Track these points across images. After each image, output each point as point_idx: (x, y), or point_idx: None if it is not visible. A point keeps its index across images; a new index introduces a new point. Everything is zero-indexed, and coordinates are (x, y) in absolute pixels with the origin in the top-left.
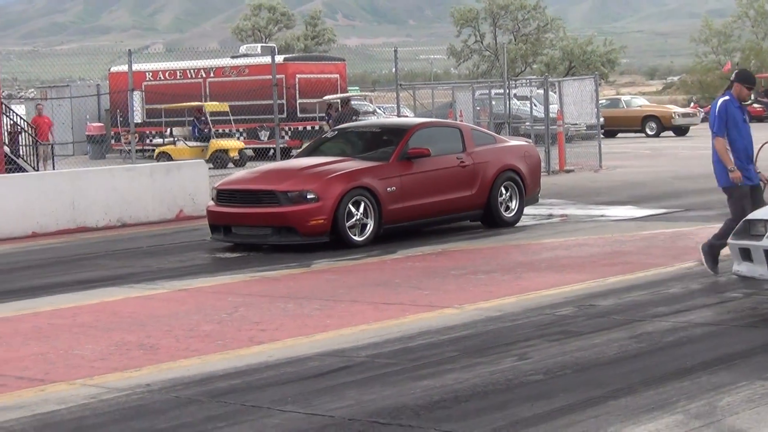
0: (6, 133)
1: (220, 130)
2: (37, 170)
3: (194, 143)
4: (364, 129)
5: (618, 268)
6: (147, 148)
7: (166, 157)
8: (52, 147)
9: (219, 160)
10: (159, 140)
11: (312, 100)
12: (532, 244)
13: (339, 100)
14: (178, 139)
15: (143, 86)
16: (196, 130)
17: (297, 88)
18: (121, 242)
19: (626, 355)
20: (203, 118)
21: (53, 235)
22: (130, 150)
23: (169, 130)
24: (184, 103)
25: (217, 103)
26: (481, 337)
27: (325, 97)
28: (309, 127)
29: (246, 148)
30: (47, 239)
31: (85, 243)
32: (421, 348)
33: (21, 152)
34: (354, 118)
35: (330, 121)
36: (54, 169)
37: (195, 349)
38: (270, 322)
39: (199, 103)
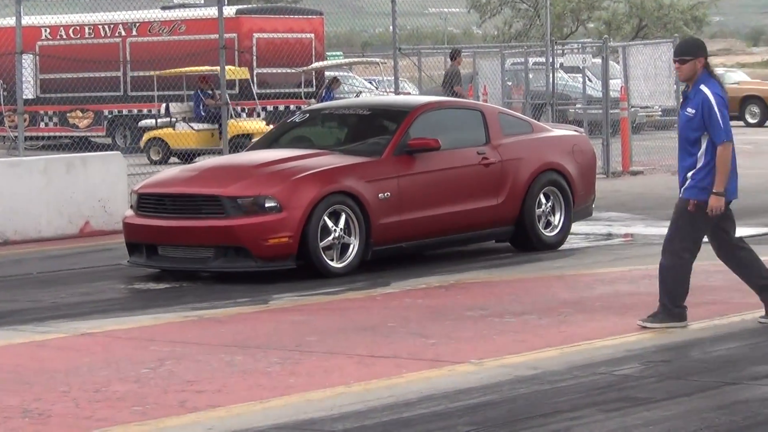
0: None
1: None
2: None
3: (202, 125)
4: (348, 111)
5: (702, 309)
6: (42, 134)
7: (160, 144)
8: None
9: (241, 148)
10: (149, 121)
11: (277, 70)
12: (581, 274)
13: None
14: (177, 120)
15: (37, 48)
16: (201, 107)
17: (255, 52)
18: (1, 267)
19: (713, 431)
20: (210, 91)
21: None
22: (16, 137)
23: (164, 106)
24: (185, 68)
25: (234, 67)
26: (508, 406)
27: (315, 65)
28: (270, 107)
29: None
30: None
31: None
32: (422, 419)
33: None
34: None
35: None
36: None
37: (102, 418)
38: (209, 381)
39: (209, 68)
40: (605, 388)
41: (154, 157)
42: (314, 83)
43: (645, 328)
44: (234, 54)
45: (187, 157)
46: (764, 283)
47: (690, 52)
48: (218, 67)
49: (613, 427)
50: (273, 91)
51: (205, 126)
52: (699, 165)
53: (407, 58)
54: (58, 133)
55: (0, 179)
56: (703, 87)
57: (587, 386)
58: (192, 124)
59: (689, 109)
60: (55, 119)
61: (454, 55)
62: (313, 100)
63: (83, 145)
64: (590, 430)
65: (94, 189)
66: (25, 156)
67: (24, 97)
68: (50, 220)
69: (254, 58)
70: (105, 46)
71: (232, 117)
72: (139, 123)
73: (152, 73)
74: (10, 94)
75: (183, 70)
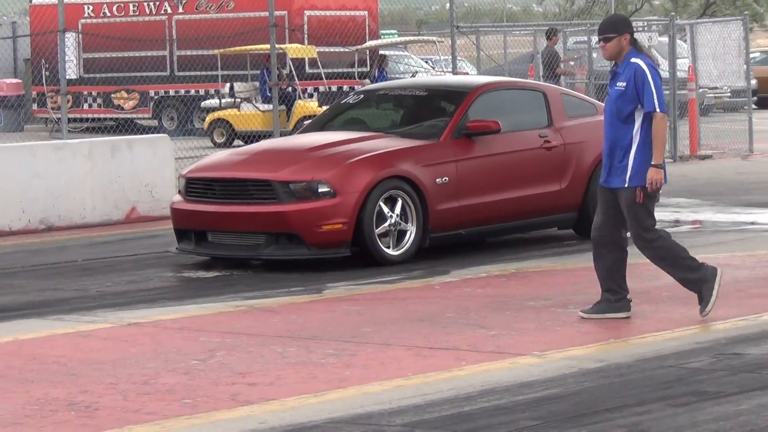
0: None
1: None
2: None
3: (268, 106)
4: (404, 92)
5: None
6: (85, 116)
7: (224, 126)
8: None
9: None
10: (212, 101)
11: (329, 49)
12: (648, 263)
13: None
14: (242, 101)
15: (80, 26)
16: (266, 88)
17: (306, 30)
18: (45, 253)
19: None
20: (277, 70)
21: None
22: (60, 119)
23: (228, 86)
24: (250, 47)
25: (301, 46)
26: (572, 399)
27: (369, 43)
28: (322, 88)
29: None
30: None
31: None
32: (483, 413)
33: None
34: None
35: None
36: None
37: (151, 411)
38: (262, 374)
39: (277, 46)
40: (674, 382)
41: (218, 140)
42: (368, 63)
43: (706, 317)
44: (284, 32)
45: (252, 139)
46: (613, 287)
47: (614, 29)
48: (286, 45)
49: (682, 422)
50: (325, 71)
51: (271, 108)
52: (635, 145)
53: (465, 36)
54: (102, 115)
55: (44, 163)
56: (634, 59)
57: (655, 380)
58: (258, 105)
59: (620, 83)
60: (99, 100)
61: (551, 35)
62: (366, 81)
63: (128, 127)
64: (658, 425)
65: (141, 173)
66: (68, 139)
67: (67, 77)
68: (95, 205)
69: (305, 36)
70: (150, 24)
71: (300, 97)
72: (202, 104)
73: (215, 51)
74: (53, 74)
75: (248, 48)
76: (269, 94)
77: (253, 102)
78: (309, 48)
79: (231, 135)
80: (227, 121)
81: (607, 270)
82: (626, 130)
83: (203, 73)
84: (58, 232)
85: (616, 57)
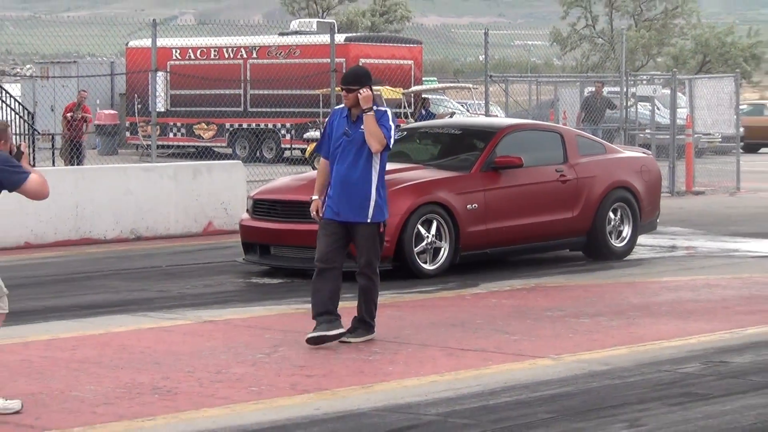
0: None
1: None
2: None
3: None
4: (441, 130)
5: (758, 317)
6: (171, 143)
7: None
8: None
9: None
10: (315, 133)
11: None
12: (649, 282)
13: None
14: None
15: (168, 66)
16: None
17: None
18: (134, 259)
19: (766, 425)
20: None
21: (50, 246)
22: (149, 145)
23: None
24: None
25: (390, 88)
26: (582, 397)
27: (414, 88)
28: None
29: None
30: (43, 252)
31: (89, 258)
32: (506, 407)
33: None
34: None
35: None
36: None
37: (223, 396)
38: (318, 367)
39: (390, 89)
40: (669, 384)
41: None
42: (413, 104)
43: (349, 342)
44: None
45: None
46: (332, 309)
47: (358, 81)
48: (381, 87)
49: (676, 419)
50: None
51: None
52: (375, 183)
53: (496, 84)
54: (184, 143)
55: (135, 182)
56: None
57: (653, 382)
58: None
59: (363, 128)
60: (182, 130)
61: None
62: (411, 120)
63: (207, 153)
64: (656, 421)
65: (217, 193)
66: (156, 162)
67: (157, 109)
68: (178, 219)
69: None
70: (228, 67)
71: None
72: (305, 135)
73: (318, 91)
74: (144, 106)
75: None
76: None
77: None
78: (396, 90)
79: None
80: None
81: (330, 294)
82: (366, 170)
83: (272, 109)
84: (145, 242)
85: (356, 106)
